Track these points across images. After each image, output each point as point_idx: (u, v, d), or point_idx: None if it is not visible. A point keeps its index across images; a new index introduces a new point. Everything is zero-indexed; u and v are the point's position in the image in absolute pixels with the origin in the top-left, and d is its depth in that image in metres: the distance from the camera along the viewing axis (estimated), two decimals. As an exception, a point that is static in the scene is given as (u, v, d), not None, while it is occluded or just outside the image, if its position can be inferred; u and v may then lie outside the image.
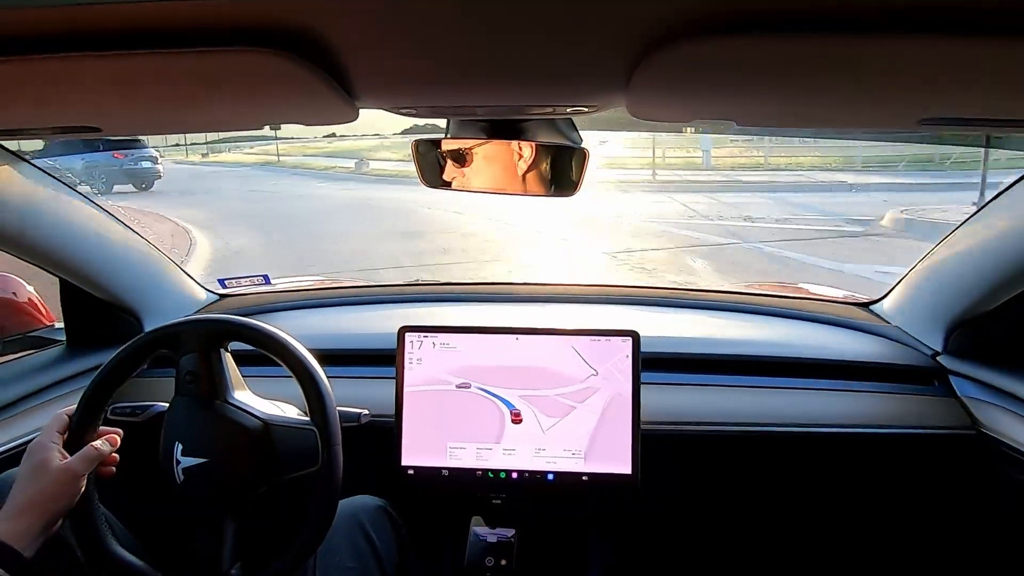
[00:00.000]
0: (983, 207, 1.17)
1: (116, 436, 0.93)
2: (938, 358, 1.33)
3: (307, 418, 0.96)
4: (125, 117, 0.81)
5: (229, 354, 0.99)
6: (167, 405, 1.01)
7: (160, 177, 11.60)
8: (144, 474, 0.99)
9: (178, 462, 0.93)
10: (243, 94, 0.68)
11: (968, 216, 1.22)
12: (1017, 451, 1.13)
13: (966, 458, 1.24)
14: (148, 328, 1.28)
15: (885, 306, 1.51)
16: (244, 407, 0.97)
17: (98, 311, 1.39)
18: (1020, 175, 1.07)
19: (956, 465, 1.26)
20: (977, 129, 0.75)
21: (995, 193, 1.14)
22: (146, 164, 11.17)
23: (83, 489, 0.87)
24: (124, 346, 0.96)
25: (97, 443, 0.90)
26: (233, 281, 1.68)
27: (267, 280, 1.72)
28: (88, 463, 0.88)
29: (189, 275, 1.60)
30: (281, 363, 0.96)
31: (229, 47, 0.51)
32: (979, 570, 1.30)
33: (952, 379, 1.30)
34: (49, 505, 0.83)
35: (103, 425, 0.95)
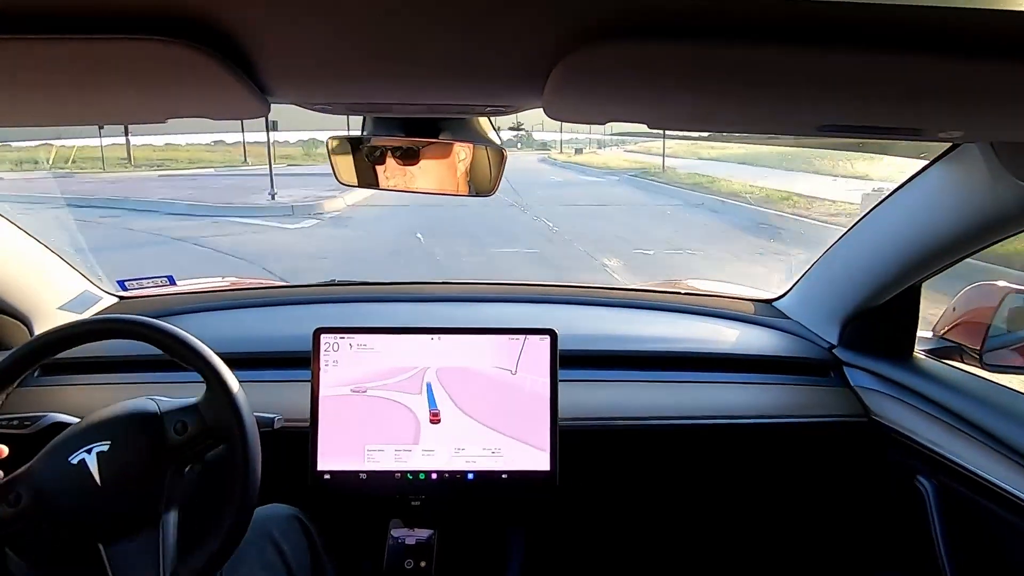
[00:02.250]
0: (872, 209, 1.26)
1: (3, 448, 0.86)
2: (834, 351, 1.42)
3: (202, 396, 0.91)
4: (6, 107, 0.75)
5: None
6: (63, 415, 0.94)
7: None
8: None
9: (85, 459, 0.85)
10: (142, 86, 0.64)
11: (859, 217, 1.30)
12: (902, 435, 1.22)
13: (859, 444, 1.33)
14: (37, 334, 1.19)
15: (786, 302, 1.60)
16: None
17: None
18: (902, 181, 1.16)
19: (850, 450, 1.35)
20: (870, 136, 0.80)
21: (883, 196, 1.23)
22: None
23: None
24: (8, 353, 0.89)
25: None
26: (134, 282, 1.59)
27: (172, 281, 1.63)
28: None
29: (87, 277, 1.50)
30: (187, 366, 0.92)
31: (125, 36, 0.48)
32: (870, 545, 1.39)
33: (846, 370, 1.39)
34: None
35: None
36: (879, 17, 0.44)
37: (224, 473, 0.88)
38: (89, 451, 0.85)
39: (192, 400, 0.92)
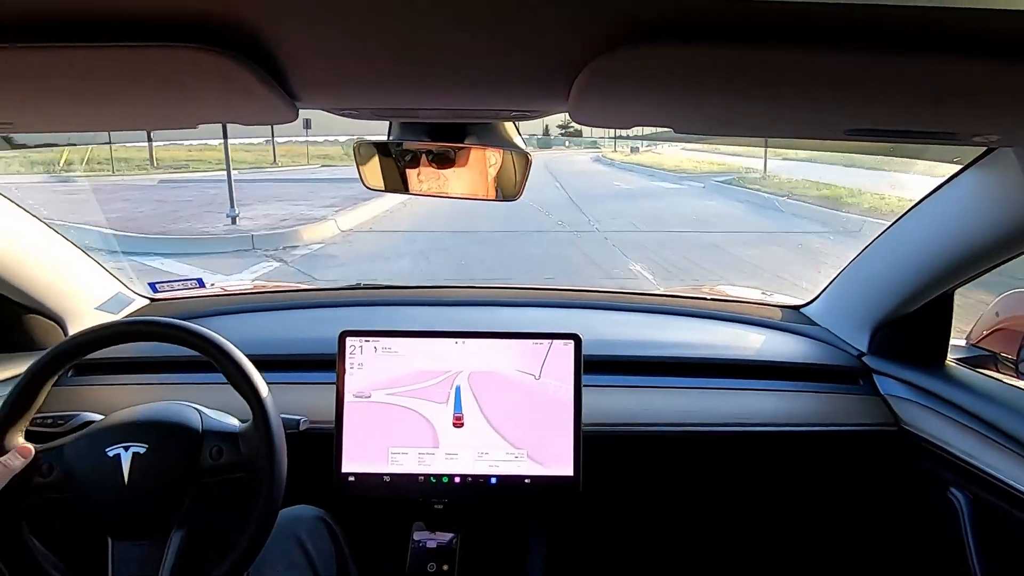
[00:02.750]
0: (904, 215, 1.24)
1: (29, 448, 0.87)
2: (863, 358, 1.40)
3: (246, 424, 0.93)
4: (42, 113, 0.77)
5: None
6: (95, 415, 0.96)
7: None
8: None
9: (121, 455, 0.87)
10: (174, 93, 0.65)
11: (891, 223, 1.28)
12: (934, 445, 1.19)
13: (889, 453, 1.30)
14: (72, 334, 1.22)
15: (815, 309, 1.58)
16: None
17: (18, 317, 1.32)
18: (935, 187, 1.14)
19: (879, 460, 1.33)
20: (898, 140, 0.79)
21: (915, 201, 1.20)
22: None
23: None
24: (43, 353, 0.91)
25: (5, 458, 0.84)
26: (165, 285, 1.62)
27: (201, 284, 1.66)
28: None
29: (118, 279, 1.53)
30: (217, 368, 0.93)
31: (159, 43, 0.49)
32: (900, 557, 1.36)
33: (876, 378, 1.37)
34: None
35: (24, 438, 0.90)
36: (912, 19, 0.43)
37: (243, 502, 0.90)
38: (126, 448, 0.87)
39: (234, 426, 0.94)
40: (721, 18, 0.45)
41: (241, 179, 14.11)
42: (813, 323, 1.55)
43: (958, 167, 1.07)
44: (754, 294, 1.80)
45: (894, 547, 1.37)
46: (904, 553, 1.35)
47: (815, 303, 1.58)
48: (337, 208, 10.40)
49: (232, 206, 9.46)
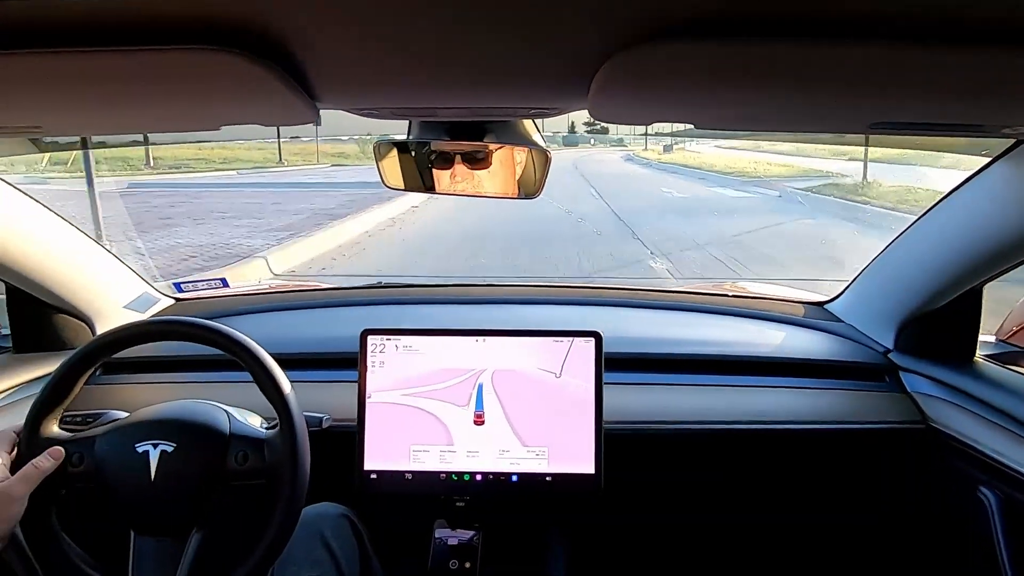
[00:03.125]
0: (930, 209, 1.21)
1: (60, 451, 0.87)
2: (889, 355, 1.38)
3: (272, 431, 0.94)
4: (69, 116, 0.79)
5: None
6: (122, 413, 0.98)
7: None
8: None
9: (150, 451, 0.89)
10: (197, 94, 0.66)
11: (917, 218, 1.26)
12: (963, 443, 1.17)
13: (916, 451, 1.28)
14: (99, 333, 1.24)
15: (839, 305, 1.56)
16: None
17: (47, 317, 1.35)
18: (963, 180, 1.11)
19: (906, 458, 1.31)
20: (924, 132, 0.77)
21: (942, 195, 1.18)
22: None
23: (21, 512, 0.81)
24: (71, 353, 0.93)
25: (37, 460, 0.85)
26: (189, 284, 1.65)
27: (225, 283, 1.68)
28: (27, 483, 0.82)
29: (144, 279, 1.55)
30: (243, 367, 0.94)
31: (182, 47, 0.50)
32: (927, 557, 1.34)
33: (902, 375, 1.34)
34: None
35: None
36: (939, 10, 0.42)
37: (264, 507, 0.91)
38: (155, 445, 0.89)
39: (261, 432, 0.95)
40: (743, 13, 0.45)
41: (215, 183, 12.99)
42: (837, 320, 1.53)
43: (986, 159, 1.05)
44: (776, 290, 1.78)
45: (922, 547, 1.35)
46: (932, 553, 1.33)
47: (839, 299, 1.56)
48: (291, 234, 7.61)
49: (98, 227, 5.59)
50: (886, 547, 1.40)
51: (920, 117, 0.68)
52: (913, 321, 1.33)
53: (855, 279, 1.50)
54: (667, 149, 26.70)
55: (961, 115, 0.67)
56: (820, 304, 1.60)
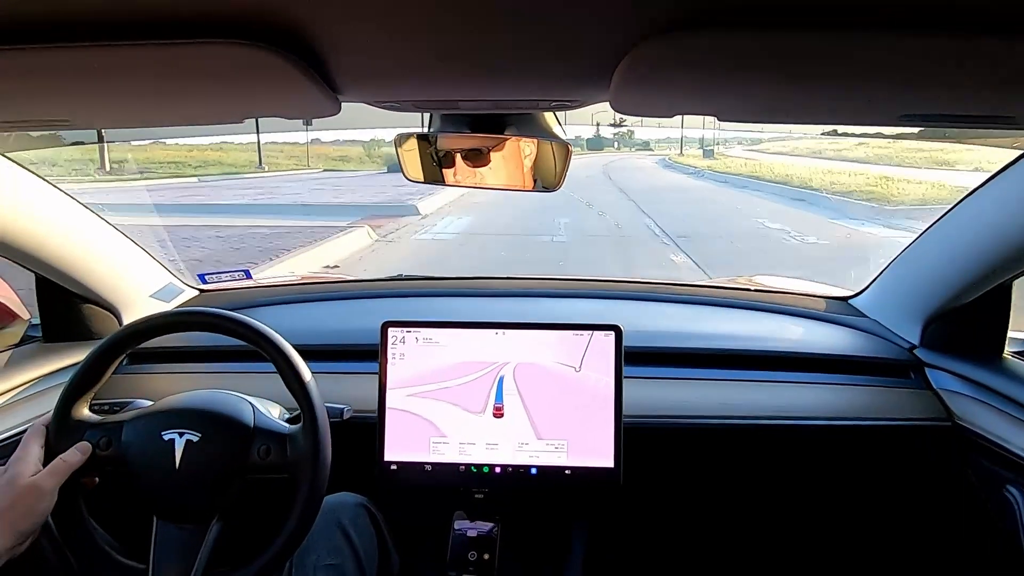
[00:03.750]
0: (958, 203, 1.19)
1: (87, 445, 0.89)
2: (915, 351, 1.36)
3: (295, 426, 0.95)
4: (96, 110, 0.80)
5: None
6: (148, 402, 1.00)
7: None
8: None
9: (175, 440, 0.90)
10: (222, 88, 0.67)
11: (945, 212, 1.23)
12: (990, 441, 1.15)
13: (941, 449, 1.26)
14: (126, 323, 1.27)
15: (863, 300, 1.53)
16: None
17: (76, 307, 1.37)
18: (993, 173, 1.09)
19: (931, 455, 1.29)
20: (956, 124, 0.76)
21: (970, 190, 1.16)
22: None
23: (52, 506, 0.83)
24: (100, 342, 0.95)
25: (66, 454, 0.86)
26: (213, 276, 1.67)
27: (248, 275, 1.70)
28: (56, 476, 0.84)
29: (169, 270, 1.58)
30: (266, 357, 0.96)
31: (207, 40, 0.50)
32: (952, 556, 1.32)
33: (928, 372, 1.32)
34: (17, 523, 0.79)
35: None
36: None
37: (283, 502, 0.92)
38: (181, 434, 0.90)
39: (284, 427, 0.96)
40: (772, 1, 0.44)
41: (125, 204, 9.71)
42: (861, 315, 1.51)
43: (1017, 152, 1.03)
44: (797, 284, 1.76)
45: (947, 545, 1.33)
46: (957, 551, 1.31)
47: (863, 294, 1.54)
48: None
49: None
50: (910, 545, 1.38)
51: (953, 109, 0.67)
52: (940, 317, 1.31)
53: (880, 273, 1.48)
54: (708, 155, 24.23)
55: (996, 107, 0.66)
56: (844, 299, 1.57)
